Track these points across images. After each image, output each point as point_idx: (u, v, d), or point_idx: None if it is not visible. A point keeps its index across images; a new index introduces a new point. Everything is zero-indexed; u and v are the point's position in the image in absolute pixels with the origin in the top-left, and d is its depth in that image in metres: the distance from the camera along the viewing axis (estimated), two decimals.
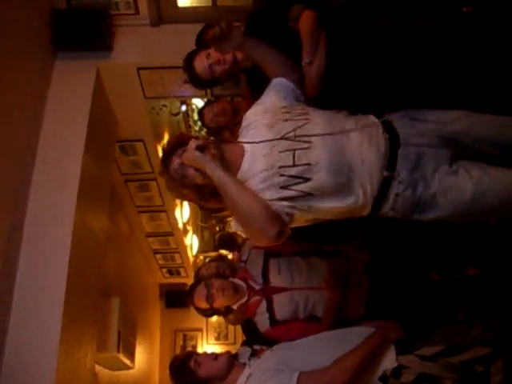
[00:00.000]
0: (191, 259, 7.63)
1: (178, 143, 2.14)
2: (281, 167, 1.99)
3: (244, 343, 2.91)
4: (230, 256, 5.15)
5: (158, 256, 7.65)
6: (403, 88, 2.41)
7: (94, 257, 4.28)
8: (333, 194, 1.99)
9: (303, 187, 1.98)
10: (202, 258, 7.76)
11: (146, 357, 7.30)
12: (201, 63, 2.92)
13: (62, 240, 3.67)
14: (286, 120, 2.09)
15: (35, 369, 3.32)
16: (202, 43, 3.33)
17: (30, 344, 3.34)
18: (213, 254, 7.18)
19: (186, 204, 6.91)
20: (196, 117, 5.59)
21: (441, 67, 2.39)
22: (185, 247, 7.38)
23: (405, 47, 2.45)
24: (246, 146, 2.11)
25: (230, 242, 5.67)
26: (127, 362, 5.62)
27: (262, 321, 2.76)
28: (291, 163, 1.99)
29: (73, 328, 3.66)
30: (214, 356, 2.55)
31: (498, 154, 2.10)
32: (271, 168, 1.99)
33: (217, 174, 1.99)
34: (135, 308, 6.39)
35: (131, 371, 6.14)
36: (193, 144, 2.03)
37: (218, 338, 8.75)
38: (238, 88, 3.93)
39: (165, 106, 5.56)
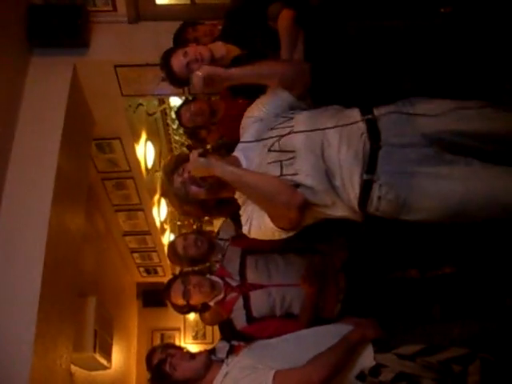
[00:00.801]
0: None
1: (178, 162, 2.20)
2: None
3: (222, 338, 2.90)
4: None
5: (136, 255, 7.62)
6: (379, 88, 2.42)
7: (70, 256, 4.24)
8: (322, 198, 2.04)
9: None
10: None
11: (123, 357, 7.25)
12: (178, 61, 2.90)
13: (37, 239, 3.63)
14: (271, 129, 2.17)
15: (9, 369, 3.27)
16: (179, 41, 3.31)
17: (3, 344, 3.30)
18: None
19: (163, 203, 6.88)
20: (174, 115, 5.57)
21: (418, 68, 2.41)
22: (162, 246, 7.34)
23: (381, 47, 2.46)
24: (240, 157, 2.21)
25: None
26: (104, 362, 5.58)
27: (239, 317, 2.76)
28: (279, 173, 2.06)
29: (48, 328, 3.62)
30: (190, 355, 2.54)
31: (487, 149, 2.04)
32: None
33: (228, 170, 2.06)
34: (112, 307, 6.34)
35: (108, 371, 6.10)
36: (195, 153, 2.08)
37: (195, 338, 8.74)
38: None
39: (141, 104, 5.53)
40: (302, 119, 2.14)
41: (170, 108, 6.05)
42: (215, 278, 2.88)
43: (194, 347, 8.21)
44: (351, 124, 2.06)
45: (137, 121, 5.61)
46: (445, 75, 2.35)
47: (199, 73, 2.18)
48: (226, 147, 2.64)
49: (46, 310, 3.53)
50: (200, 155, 2.07)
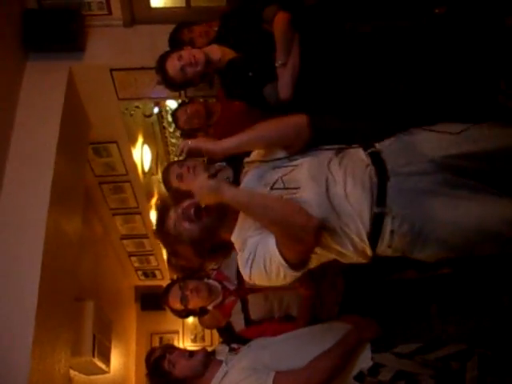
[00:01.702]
0: (166, 261, 7.58)
1: (176, 198, 2.13)
2: None
3: (222, 342, 2.90)
4: None
5: (133, 258, 7.61)
6: (376, 89, 2.42)
7: (68, 260, 4.24)
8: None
9: None
10: None
11: (121, 361, 7.24)
12: (173, 65, 2.91)
13: (34, 243, 3.62)
14: (274, 168, 2.06)
15: (7, 375, 3.26)
16: (175, 42, 3.31)
17: (1, 349, 3.29)
18: None
19: None
20: (170, 118, 5.57)
21: (414, 68, 2.40)
22: (160, 249, 7.32)
23: (377, 48, 2.46)
24: None
25: None
26: (103, 366, 5.57)
27: (237, 321, 2.76)
28: None
29: (46, 333, 3.61)
30: (189, 353, 2.53)
31: (492, 171, 1.94)
32: None
33: (240, 192, 1.95)
34: (110, 311, 6.33)
35: (107, 375, 6.09)
36: (204, 175, 1.97)
37: (194, 340, 8.73)
38: (212, 89, 3.92)
39: (138, 107, 5.53)
40: (304, 161, 2.04)
41: (167, 111, 6.04)
42: (213, 282, 2.87)
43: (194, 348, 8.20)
44: (355, 159, 1.98)
45: (133, 124, 5.61)
46: (440, 76, 2.35)
47: (189, 142, 2.09)
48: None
49: (43, 315, 3.52)
50: (210, 176, 1.93)
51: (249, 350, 2.45)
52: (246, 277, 1.98)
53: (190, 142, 2.12)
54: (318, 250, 1.90)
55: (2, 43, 3.83)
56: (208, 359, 2.50)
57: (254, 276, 1.94)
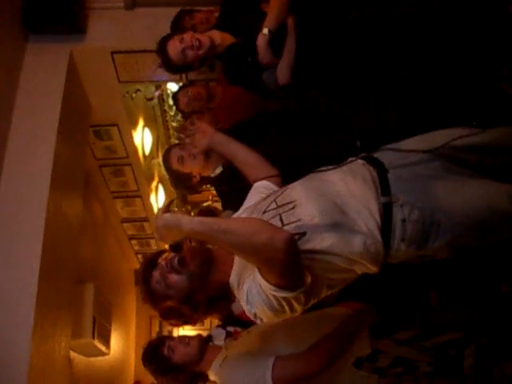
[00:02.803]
0: (167, 246, 7.58)
1: (152, 259, 1.98)
2: None
3: (218, 326, 2.91)
4: None
5: (134, 242, 7.62)
6: (380, 75, 2.42)
7: (68, 243, 4.24)
8: (333, 233, 1.77)
9: (305, 245, 1.75)
10: None
11: (121, 343, 7.28)
12: (174, 47, 2.90)
13: (34, 226, 3.63)
14: (265, 198, 2.01)
15: (8, 356, 3.28)
16: (177, 29, 3.30)
17: (2, 331, 3.31)
18: None
19: (161, 189, 6.88)
20: (171, 102, 5.55)
21: (418, 55, 2.40)
22: None
23: (381, 33, 2.45)
24: None
25: (209, 214, 5.64)
26: (102, 348, 5.59)
27: (236, 303, 2.77)
28: (280, 225, 1.79)
29: (46, 314, 3.63)
30: (187, 341, 2.55)
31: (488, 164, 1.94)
32: None
33: (196, 220, 1.69)
34: (110, 294, 6.35)
35: (107, 357, 6.12)
36: (159, 211, 1.86)
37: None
38: (213, 73, 3.91)
39: (139, 90, 5.50)
40: (297, 184, 1.97)
41: (168, 94, 6.02)
42: None
43: (191, 333, 8.23)
44: (349, 161, 1.95)
45: (134, 107, 5.59)
46: (443, 63, 2.35)
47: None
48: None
49: (44, 297, 3.53)
50: (164, 210, 1.78)
51: (248, 335, 2.47)
52: (251, 316, 1.85)
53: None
54: (317, 256, 1.76)
55: (3, 25, 3.80)
56: (204, 345, 2.52)
57: (262, 317, 1.82)
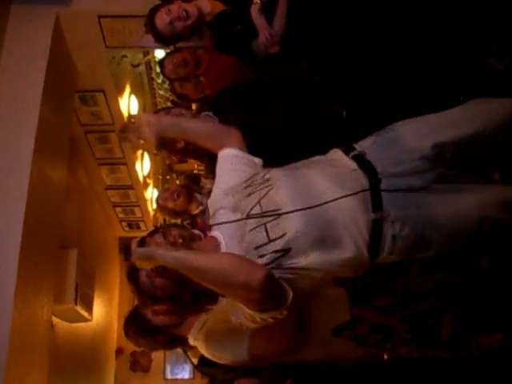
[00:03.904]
0: (151, 213, 7.60)
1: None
2: (257, 247, 1.74)
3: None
4: None
5: (118, 209, 7.61)
6: (367, 45, 2.41)
7: (52, 208, 4.23)
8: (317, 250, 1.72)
9: (288, 261, 1.73)
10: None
11: (104, 310, 7.33)
12: (161, 20, 2.85)
13: (18, 190, 3.62)
14: (249, 195, 1.86)
15: None
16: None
17: None
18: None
19: (146, 157, 6.85)
20: (158, 69, 5.50)
21: (408, 29, 2.38)
22: (145, 201, 7.34)
23: (369, 4, 2.43)
24: (219, 237, 1.88)
25: (194, 180, 5.66)
26: (85, 314, 5.63)
27: None
28: (266, 240, 1.74)
29: (29, 279, 3.63)
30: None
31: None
32: (248, 252, 1.75)
33: (169, 256, 1.68)
34: (94, 261, 6.37)
35: (89, 323, 6.17)
36: (134, 243, 1.81)
37: None
38: (202, 40, 3.86)
39: (125, 56, 5.43)
40: (279, 176, 1.85)
41: (155, 62, 5.96)
42: (196, 231, 2.89)
43: None
44: (339, 165, 1.84)
45: (121, 74, 5.53)
46: (431, 35, 2.34)
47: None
48: (210, 102, 2.62)
49: (26, 261, 3.53)
50: (138, 244, 1.79)
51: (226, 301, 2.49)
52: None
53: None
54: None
55: None
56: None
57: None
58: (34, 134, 3.76)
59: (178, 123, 2.16)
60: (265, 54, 2.65)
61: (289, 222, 1.73)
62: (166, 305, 1.94)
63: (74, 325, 5.80)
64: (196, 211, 3.32)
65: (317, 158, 1.95)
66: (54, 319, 4.91)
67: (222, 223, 1.89)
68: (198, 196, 3.36)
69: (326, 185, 1.77)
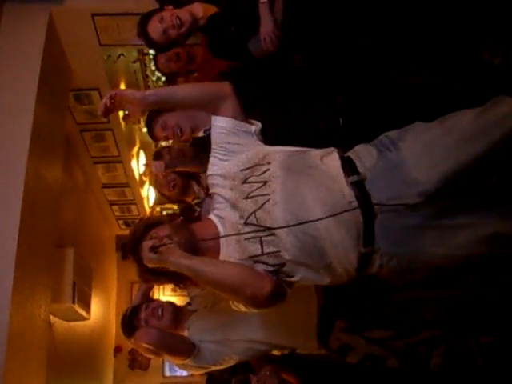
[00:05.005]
0: (148, 211, 7.60)
1: (147, 227, 1.90)
2: (251, 257, 1.81)
3: None
4: None
5: (115, 207, 7.61)
6: (361, 42, 2.41)
7: (48, 207, 4.23)
8: (309, 269, 1.82)
9: (281, 274, 1.82)
10: (158, 209, 7.73)
11: (102, 308, 7.32)
12: (155, 29, 2.82)
13: (13, 190, 3.61)
14: (247, 196, 1.86)
15: None
16: (161, 3, 3.22)
17: None
18: (169, 206, 7.16)
19: (141, 155, 6.84)
20: (153, 67, 5.48)
21: (403, 23, 2.38)
22: (141, 199, 7.34)
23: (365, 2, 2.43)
24: (216, 220, 1.93)
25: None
26: (83, 312, 5.63)
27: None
28: (260, 252, 1.80)
29: (26, 278, 3.63)
30: (160, 314, 2.57)
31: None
32: (242, 254, 1.83)
33: (182, 264, 1.76)
34: (91, 259, 6.36)
35: (87, 322, 6.16)
36: (146, 247, 1.80)
37: (174, 290, 8.79)
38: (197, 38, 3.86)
39: (122, 55, 5.42)
40: (277, 188, 1.83)
41: (150, 59, 5.94)
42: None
43: (173, 300, 8.28)
44: (335, 190, 1.80)
45: (116, 72, 5.52)
46: (426, 31, 2.34)
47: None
48: None
49: (23, 260, 3.53)
50: (151, 250, 1.78)
51: (210, 311, 2.58)
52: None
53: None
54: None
55: None
56: (177, 316, 2.57)
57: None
58: (29, 133, 3.76)
59: (167, 94, 2.08)
60: (262, 53, 2.63)
61: (283, 242, 1.78)
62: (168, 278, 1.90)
63: (72, 324, 5.80)
64: (192, 202, 3.36)
65: (317, 162, 1.88)
66: (52, 318, 4.90)
67: (222, 237, 1.90)
68: (196, 187, 3.37)
69: (323, 210, 1.76)
